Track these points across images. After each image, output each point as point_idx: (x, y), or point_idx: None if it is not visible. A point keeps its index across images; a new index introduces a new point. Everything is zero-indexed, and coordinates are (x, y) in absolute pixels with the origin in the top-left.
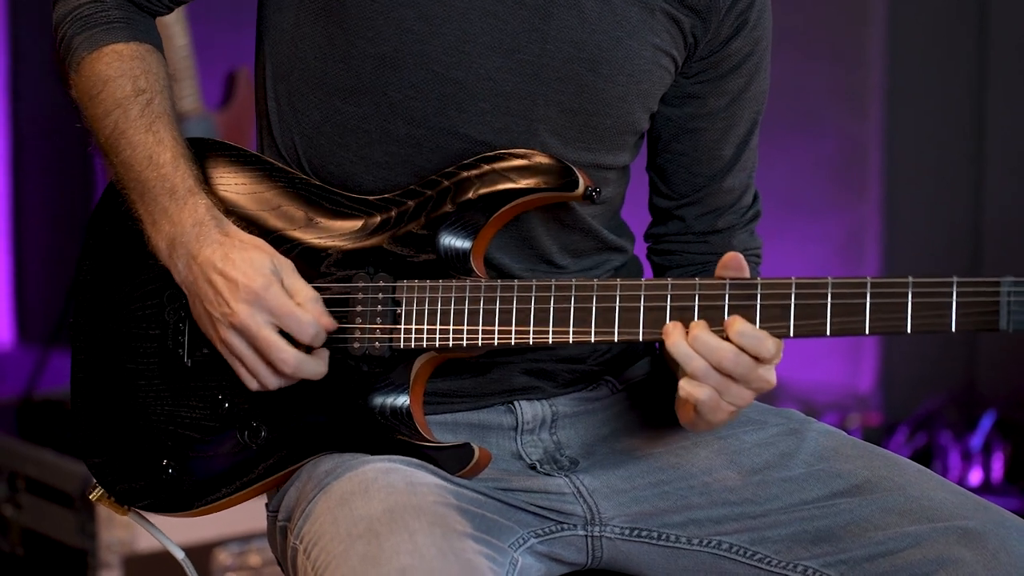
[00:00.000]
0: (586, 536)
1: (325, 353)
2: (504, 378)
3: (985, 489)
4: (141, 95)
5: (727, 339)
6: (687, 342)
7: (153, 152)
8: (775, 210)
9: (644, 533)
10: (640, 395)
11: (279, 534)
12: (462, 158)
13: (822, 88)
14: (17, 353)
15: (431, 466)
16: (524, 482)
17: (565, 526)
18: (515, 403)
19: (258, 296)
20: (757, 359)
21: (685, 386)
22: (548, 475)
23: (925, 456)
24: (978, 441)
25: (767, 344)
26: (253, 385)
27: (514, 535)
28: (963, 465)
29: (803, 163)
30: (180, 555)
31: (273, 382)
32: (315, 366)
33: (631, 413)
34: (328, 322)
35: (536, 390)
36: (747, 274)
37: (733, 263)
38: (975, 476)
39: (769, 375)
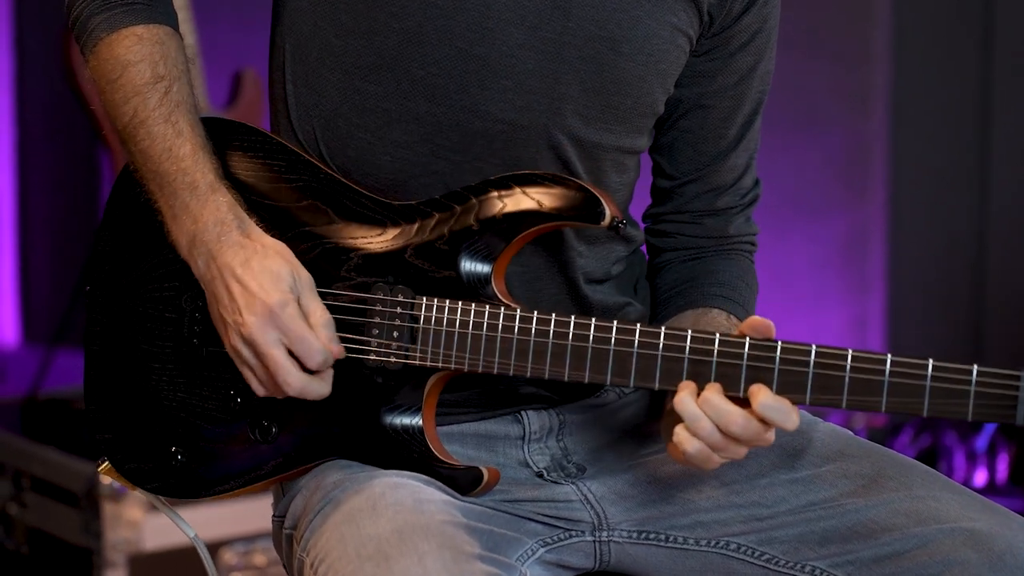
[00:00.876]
0: (594, 541)
1: (330, 374)
2: (511, 389)
3: (990, 490)
4: (160, 82)
5: (745, 404)
6: (696, 402)
7: (173, 144)
8: (779, 209)
9: (652, 536)
10: (645, 401)
11: (285, 541)
12: (482, 137)
13: (826, 87)
14: (22, 352)
15: (439, 482)
16: (531, 492)
17: (573, 533)
18: (522, 413)
19: (272, 313)
20: (771, 426)
21: (680, 433)
22: (555, 483)
23: (930, 457)
24: (983, 442)
25: (792, 418)
26: (261, 392)
27: (522, 547)
28: (968, 466)
29: (807, 162)
30: (192, 533)
31: (278, 395)
32: (319, 388)
33: (637, 419)
34: (338, 350)
35: (543, 399)
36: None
37: (761, 327)
38: (980, 477)
39: (771, 435)
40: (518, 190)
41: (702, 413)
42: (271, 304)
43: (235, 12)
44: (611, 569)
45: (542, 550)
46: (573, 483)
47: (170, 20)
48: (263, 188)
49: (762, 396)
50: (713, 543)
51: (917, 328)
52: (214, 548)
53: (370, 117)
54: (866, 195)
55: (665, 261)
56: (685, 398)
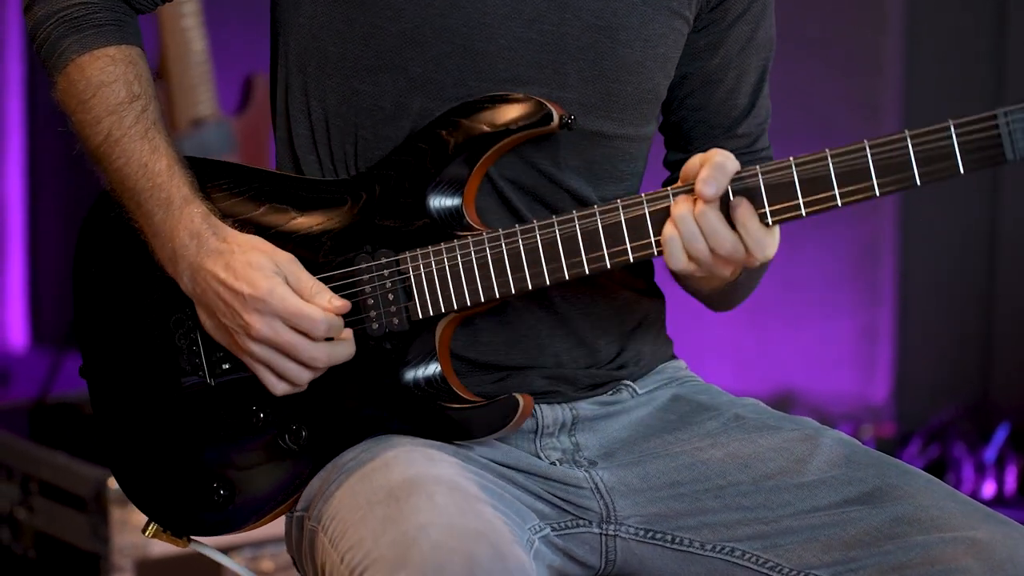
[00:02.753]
0: (601, 535)
1: (349, 332)
2: (524, 383)
3: (998, 502)
4: (136, 101)
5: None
6: (693, 217)
7: (148, 160)
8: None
9: (658, 536)
10: (658, 402)
11: (295, 526)
12: None
13: (838, 98)
14: (31, 356)
15: (453, 447)
16: (547, 470)
17: (582, 522)
18: (536, 407)
19: (266, 302)
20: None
21: (674, 245)
22: (568, 468)
23: (938, 468)
24: (992, 453)
25: (768, 252)
26: (280, 389)
27: (531, 520)
28: (976, 477)
29: None
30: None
31: (305, 378)
32: (345, 349)
33: (649, 419)
34: (341, 304)
35: (556, 394)
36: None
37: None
38: (988, 488)
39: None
40: (463, 122)
41: (698, 231)
42: (261, 294)
43: (245, 16)
44: (617, 571)
45: (550, 531)
46: (586, 470)
47: (139, 41)
48: (221, 208)
49: (749, 223)
50: (718, 548)
51: (927, 339)
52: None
53: (365, 116)
54: (877, 206)
55: None
56: (684, 213)
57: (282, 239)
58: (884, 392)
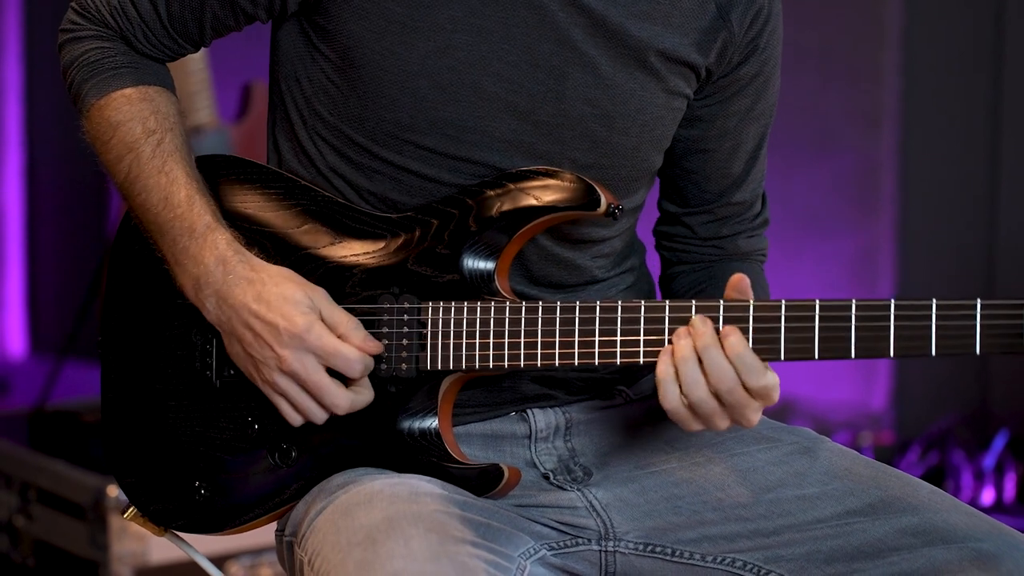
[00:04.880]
0: (600, 551)
1: (367, 380)
2: (516, 387)
3: (997, 509)
4: (151, 136)
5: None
6: (695, 357)
7: (168, 193)
8: (791, 230)
9: (658, 549)
10: (654, 408)
11: (287, 550)
12: None
13: (836, 108)
14: (30, 364)
15: (442, 481)
16: (536, 496)
17: (579, 540)
18: (528, 411)
19: (302, 339)
20: (749, 392)
21: (670, 391)
22: (560, 488)
23: (937, 475)
24: (991, 461)
25: (771, 389)
26: (297, 421)
27: (524, 545)
28: (975, 485)
29: (818, 183)
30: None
31: (322, 417)
32: (366, 397)
33: (646, 426)
34: (374, 346)
35: (549, 398)
36: (755, 294)
37: (741, 285)
38: (987, 496)
39: (754, 416)
40: (513, 187)
41: (701, 379)
42: (298, 330)
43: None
44: None
45: (547, 551)
46: (579, 489)
47: (159, 80)
48: (263, 217)
49: (738, 348)
50: (719, 559)
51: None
52: (220, 562)
53: (364, 180)
54: (876, 215)
55: (678, 272)
56: (687, 355)
57: (313, 262)
58: (883, 400)
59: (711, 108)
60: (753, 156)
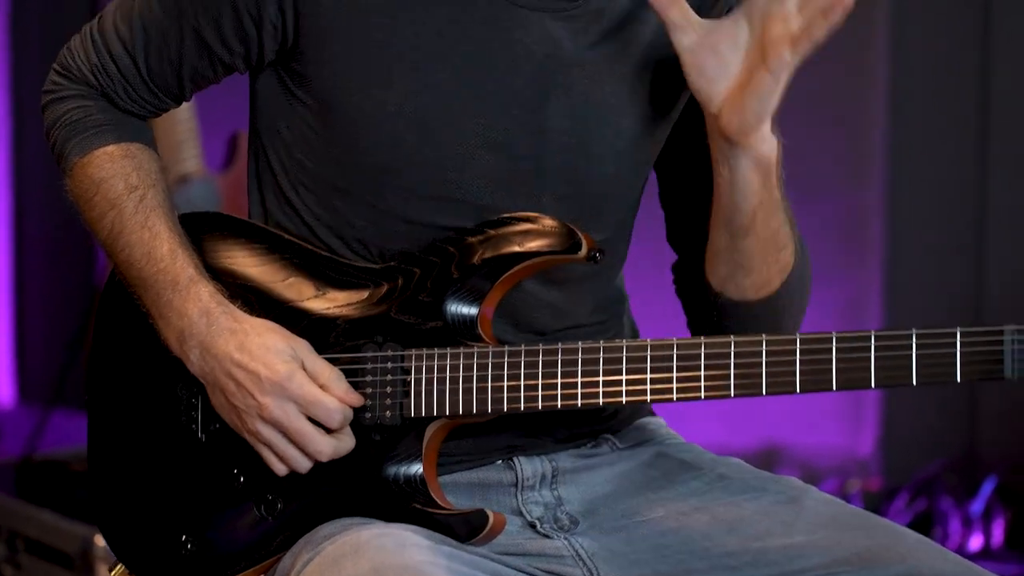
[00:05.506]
0: None
1: (349, 426)
2: (502, 435)
3: (985, 555)
4: (134, 192)
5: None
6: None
7: (151, 247)
8: None
9: None
10: (641, 458)
11: None
12: None
13: (824, 154)
14: (17, 412)
15: (428, 530)
16: (523, 545)
17: None
18: (514, 459)
19: (284, 387)
20: None
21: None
22: (546, 536)
23: (925, 521)
24: (979, 507)
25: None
26: (282, 470)
27: None
28: (963, 531)
29: (806, 230)
30: None
31: (306, 466)
32: (348, 443)
33: (632, 474)
34: (355, 398)
35: (535, 446)
36: None
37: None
38: (975, 542)
39: None
40: (494, 234)
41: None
42: (279, 378)
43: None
44: None
45: None
46: (565, 538)
47: (140, 137)
48: (246, 272)
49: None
50: None
51: (913, 392)
52: None
53: (347, 230)
54: (863, 261)
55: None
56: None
57: (297, 315)
58: (870, 446)
59: (692, 126)
60: None
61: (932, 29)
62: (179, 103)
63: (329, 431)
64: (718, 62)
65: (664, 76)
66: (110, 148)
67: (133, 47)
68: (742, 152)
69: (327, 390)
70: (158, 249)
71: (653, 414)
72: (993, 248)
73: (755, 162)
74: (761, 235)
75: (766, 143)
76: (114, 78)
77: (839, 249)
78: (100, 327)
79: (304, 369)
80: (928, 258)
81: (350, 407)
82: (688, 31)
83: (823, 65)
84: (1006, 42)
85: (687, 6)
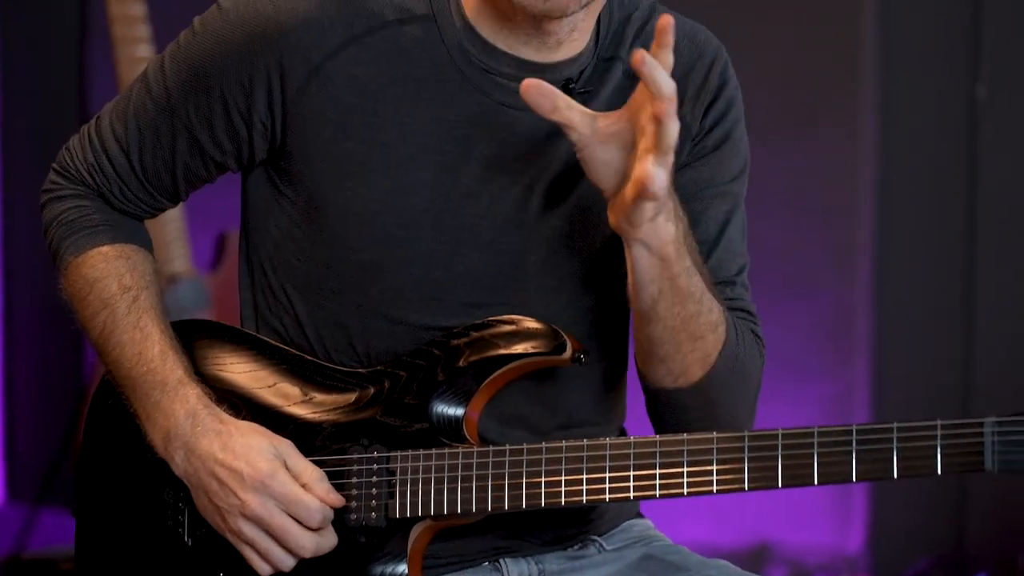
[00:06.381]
0: None
1: (331, 524)
2: (488, 537)
3: None
4: (127, 292)
5: None
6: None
7: (141, 349)
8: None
9: None
10: (628, 559)
11: None
12: None
13: (811, 250)
14: (6, 511)
15: None
16: None
17: None
18: (501, 561)
19: (265, 485)
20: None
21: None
22: None
23: None
24: None
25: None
26: (266, 570)
27: None
28: None
29: (793, 326)
30: None
31: (289, 564)
32: (331, 541)
33: (621, 575)
34: (335, 499)
35: (522, 548)
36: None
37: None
38: None
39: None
40: (479, 336)
41: None
42: (261, 475)
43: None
44: None
45: None
46: None
47: (136, 238)
48: (234, 378)
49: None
50: None
51: (902, 489)
52: None
53: (336, 330)
54: (851, 358)
55: None
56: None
57: (283, 420)
58: (859, 543)
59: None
60: (717, 239)
61: (919, 121)
62: (175, 202)
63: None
64: (607, 157)
65: None
66: (104, 248)
67: (128, 145)
68: (635, 241)
69: (309, 489)
70: (149, 350)
71: (640, 515)
72: (981, 343)
73: (649, 250)
74: (669, 323)
75: (658, 236)
76: (109, 177)
77: (826, 346)
78: (90, 429)
79: (287, 468)
80: (916, 354)
81: (331, 507)
82: (573, 131)
83: (809, 160)
84: (993, 136)
85: (564, 105)
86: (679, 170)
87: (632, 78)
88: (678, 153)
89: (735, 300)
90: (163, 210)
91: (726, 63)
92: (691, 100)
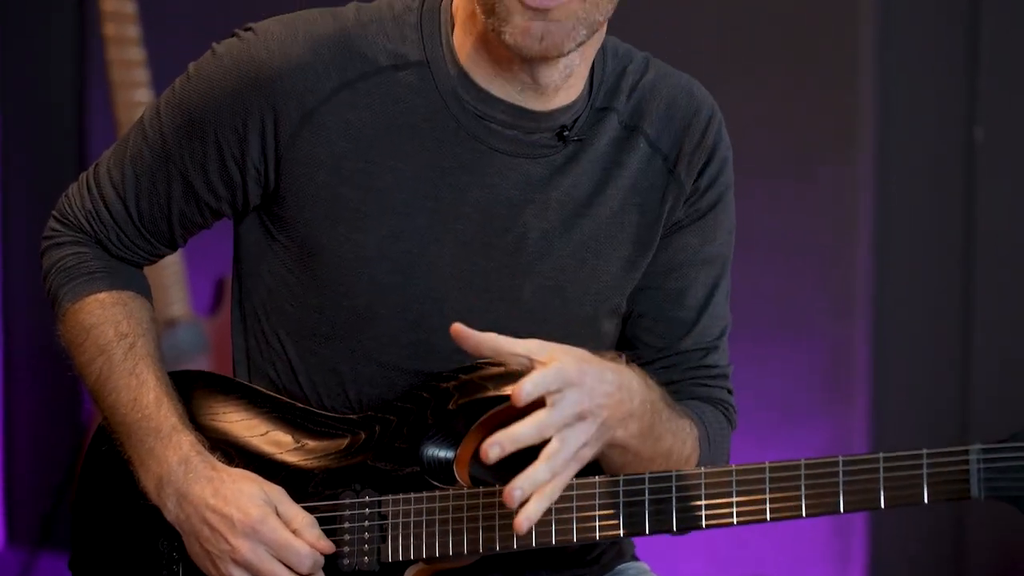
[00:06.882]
0: None
1: (322, 571)
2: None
3: None
4: (123, 339)
5: None
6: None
7: (137, 395)
8: (764, 414)
9: None
10: None
11: None
12: None
13: (809, 293)
14: (5, 555)
15: None
16: None
17: None
18: None
19: (256, 530)
20: None
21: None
22: None
23: None
24: None
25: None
26: None
27: None
28: None
29: (791, 368)
30: None
31: None
32: None
33: None
34: (326, 545)
35: None
36: None
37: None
38: None
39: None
40: (467, 379)
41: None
42: (252, 521)
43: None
44: None
45: None
46: None
47: (133, 285)
48: (227, 428)
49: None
50: None
51: (900, 532)
52: None
53: (328, 376)
54: (849, 404)
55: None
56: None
57: (276, 467)
58: None
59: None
60: (704, 305)
61: (916, 169)
62: (173, 249)
63: None
64: None
65: (642, 216)
66: (102, 295)
67: (124, 192)
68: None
69: (299, 535)
70: (144, 397)
71: (636, 558)
72: (977, 388)
73: (612, 451)
74: (641, 468)
75: (615, 447)
76: (107, 224)
77: (824, 389)
78: (86, 476)
79: (278, 514)
80: (914, 398)
81: (321, 553)
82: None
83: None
84: (991, 177)
85: (490, 347)
86: (672, 233)
87: (628, 128)
88: (672, 212)
89: (713, 369)
90: (161, 256)
91: (720, 123)
92: (687, 156)
